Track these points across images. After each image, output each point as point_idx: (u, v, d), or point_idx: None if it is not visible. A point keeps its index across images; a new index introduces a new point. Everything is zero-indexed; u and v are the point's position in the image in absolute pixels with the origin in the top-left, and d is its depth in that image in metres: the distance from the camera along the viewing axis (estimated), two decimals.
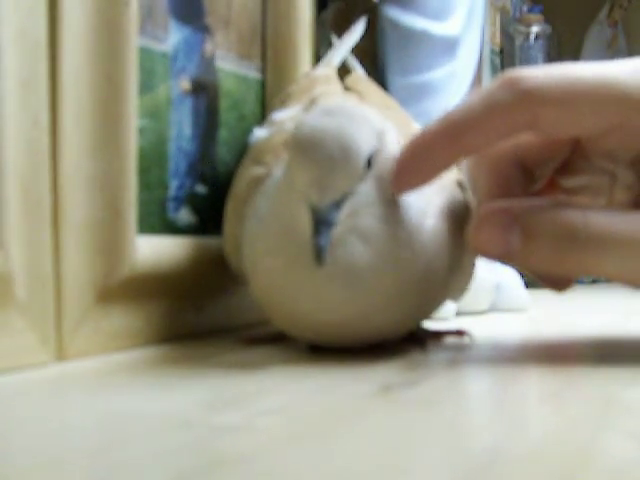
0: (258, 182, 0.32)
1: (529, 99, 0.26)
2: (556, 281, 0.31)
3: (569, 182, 0.32)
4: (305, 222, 0.26)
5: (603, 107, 0.27)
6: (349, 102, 0.30)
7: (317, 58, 0.47)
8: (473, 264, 0.33)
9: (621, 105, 0.27)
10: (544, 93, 0.26)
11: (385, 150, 0.28)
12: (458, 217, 0.31)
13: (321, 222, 0.26)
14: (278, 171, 0.30)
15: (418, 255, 0.28)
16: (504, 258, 0.27)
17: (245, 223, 0.31)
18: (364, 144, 0.27)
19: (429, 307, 0.31)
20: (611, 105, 0.27)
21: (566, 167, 0.31)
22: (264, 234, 0.29)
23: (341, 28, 0.50)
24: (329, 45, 0.49)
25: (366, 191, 0.27)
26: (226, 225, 0.35)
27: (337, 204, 0.26)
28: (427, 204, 0.29)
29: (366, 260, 0.27)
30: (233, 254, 0.34)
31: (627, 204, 0.31)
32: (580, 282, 1.08)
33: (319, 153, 0.26)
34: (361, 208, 0.27)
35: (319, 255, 0.25)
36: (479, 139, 0.27)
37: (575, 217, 0.27)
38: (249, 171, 0.33)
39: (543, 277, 0.31)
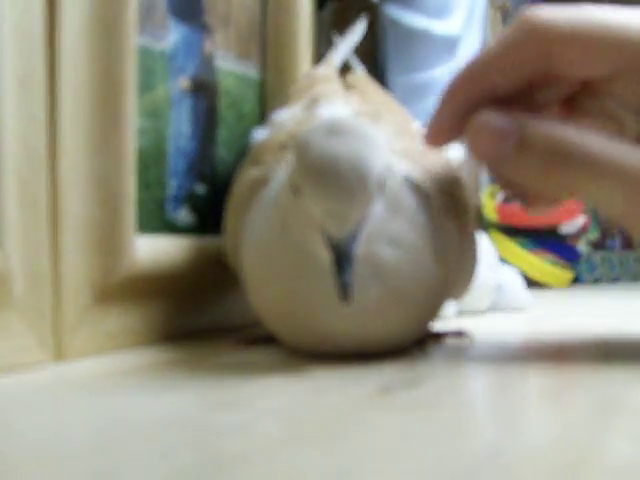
0: (258, 184, 0.32)
1: (541, 35, 0.27)
2: (535, 199, 0.31)
3: (576, 122, 0.32)
4: (321, 249, 0.26)
5: (613, 49, 0.27)
6: (346, 116, 0.30)
7: (316, 57, 0.47)
8: (475, 263, 0.33)
9: (630, 49, 0.27)
10: (555, 30, 0.27)
11: (391, 166, 0.28)
12: (460, 215, 0.31)
13: (342, 256, 0.25)
14: (280, 174, 0.30)
15: (433, 270, 0.29)
16: (496, 164, 0.27)
17: (245, 226, 0.31)
18: (376, 166, 0.26)
19: (439, 309, 0.31)
20: (621, 48, 0.27)
21: (574, 106, 0.31)
22: (274, 252, 0.28)
23: (340, 27, 0.50)
24: (328, 44, 0.49)
25: (377, 213, 0.27)
26: (226, 226, 0.35)
27: (355, 233, 0.26)
28: (432, 209, 0.29)
29: (378, 294, 0.27)
30: (232, 254, 0.34)
31: None
32: (581, 281, 1.08)
33: (335, 183, 0.25)
34: (373, 234, 0.27)
35: (346, 293, 0.25)
36: (497, 77, 0.28)
37: (573, 135, 0.27)
38: (248, 172, 0.33)
39: (524, 193, 0.31)
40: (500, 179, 0.30)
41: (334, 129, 0.26)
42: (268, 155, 0.33)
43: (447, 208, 0.30)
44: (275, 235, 0.28)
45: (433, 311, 0.31)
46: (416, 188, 0.29)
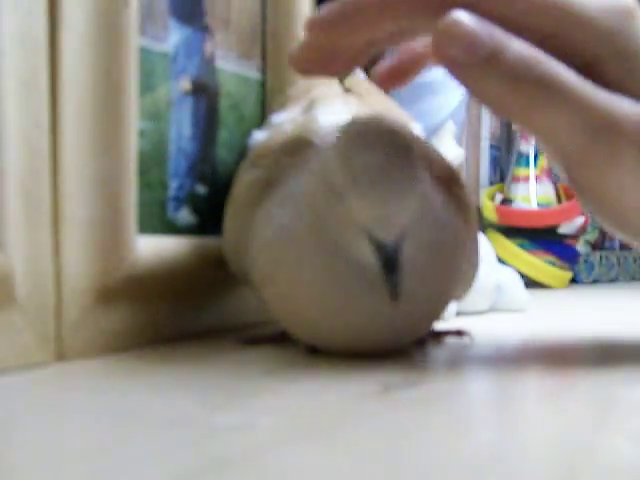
0: (262, 185, 0.32)
1: None
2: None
3: None
4: (362, 253, 0.26)
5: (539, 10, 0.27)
6: (374, 115, 0.29)
7: None
8: (477, 263, 0.33)
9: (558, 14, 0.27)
10: None
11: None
12: (465, 215, 0.31)
13: (390, 259, 0.26)
14: (297, 176, 0.30)
15: (457, 269, 0.30)
16: (461, 70, 0.26)
17: (254, 229, 0.31)
18: (420, 170, 0.26)
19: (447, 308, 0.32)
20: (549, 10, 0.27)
21: None
22: (306, 255, 0.28)
23: None
24: None
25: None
26: (226, 228, 0.35)
27: (403, 236, 0.26)
28: (450, 209, 0.29)
29: (410, 295, 0.27)
30: (233, 257, 0.34)
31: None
32: (580, 282, 1.08)
33: (385, 189, 0.25)
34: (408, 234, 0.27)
35: (395, 293, 0.26)
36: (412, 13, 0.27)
37: (546, 60, 0.26)
38: (248, 174, 0.33)
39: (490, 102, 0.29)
40: (464, 85, 0.27)
41: (373, 132, 0.26)
42: (269, 157, 0.32)
43: (455, 208, 0.30)
44: (308, 237, 0.28)
45: (444, 310, 0.31)
46: (438, 189, 0.29)
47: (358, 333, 0.28)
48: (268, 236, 0.29)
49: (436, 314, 0.30)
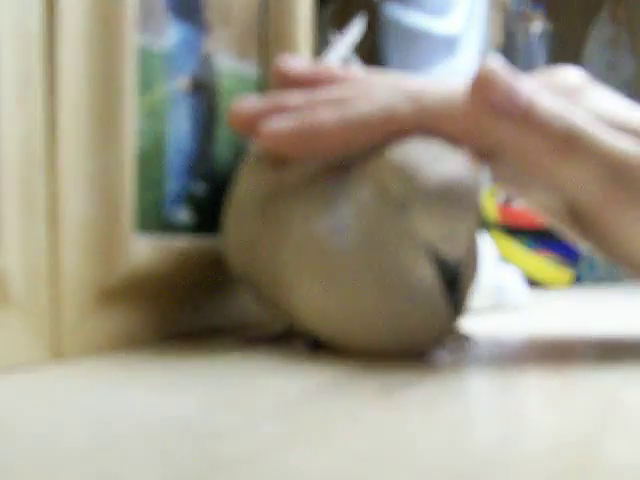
0: (275, 186, 0.31)
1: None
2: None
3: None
4: (425, 271, 0.26)
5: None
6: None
7: (317, 56, 0.47)
8: (477, 264, 0.33)
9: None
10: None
11: None
12: None
13: (452, 275, 0.26)
14: (328, 181, 0.30)
15: (477, 277, 0.30)
16: (502, 115, 0.28)
17: (280, 229, 0.30)
18: (478, 187, 0.27)
19: None
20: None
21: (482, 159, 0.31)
22: (353, 266, 0.28)
23: (340, 25, 0.50)
24: (328, 43, 0.49)
25: None
26: (229, 230, 0.34)
27: (465, 253, 0.26)
28: None
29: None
30: (238, 259, 0.34)
31: (548, 207, 0.33)
32: (582, 281, 1.08)
33: (452, 205, 0.26)
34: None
35: (456, 311, 0.26)
36: (369, 137, 0.29)
37: (569, 109, 0.28)
38: (257, 177, 0.33)
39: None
40: (494, 135, 0.29)
41: (434, 151, 0.27)
42: (277, 162, 0.32)
43: None
44: (357, 247, 0.28)
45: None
46: None
47: (400, 343, 0.28)
48: (316, 233, 0.29)
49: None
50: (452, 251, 0.26)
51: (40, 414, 0.21)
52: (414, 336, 0.28)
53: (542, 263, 0.95)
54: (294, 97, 0.31)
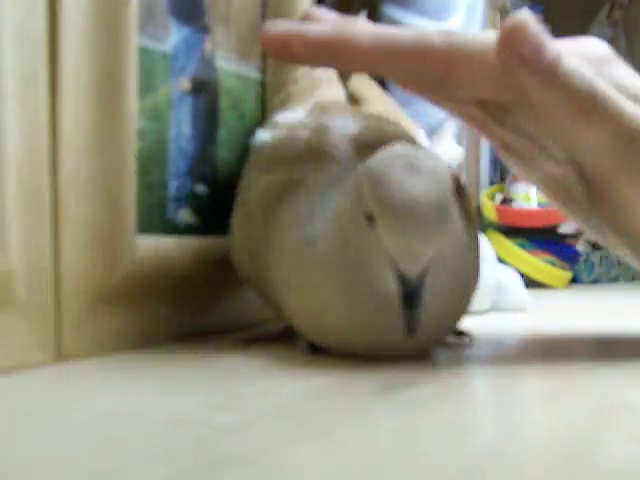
0: (278, 191, 0.32)
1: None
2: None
3: (498, 132, 0.32)
4: (387, 281, 0.26)
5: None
6: (415, 147, 0.29)
7: None
8: (479, 265, 0.33)
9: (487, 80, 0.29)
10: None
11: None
12: (466, 217, 0.31)
13: (411, 292, 0.26)
14: (320, 190, 0.30)
15: (475, 284, 0.31)
16: (530, 67, 0.28)
17: (278, 228, 0.31)
18: (451, 205, 0.27)
19: None
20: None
21: (496, 114, 0.31)
22: (329, 272, 0.28)
23: None
24: None
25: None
26: (235, 232, 0.35)
27: (425, 270, 0.26)
28: (467, 230, 0.30)
29: (433, 311, 0.27)
30: (243, 261, 0.34)
31: (558, 177, 0.32)
32: (580, 282, 1.08)
33: (414, 221, 0.26)
34: (434, 264, 0.27)
35: (411, 328, 0.26)
36: (398, 61, 0.29)
37: (589, 70, 0.28)
38: (262, 180, 0.33)
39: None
40: (519, 88, 0.29)
41: (411, 165, 0.26)
42: (282, 166, 0.32)
43: (465, 218, 0.30)
44: (335, 254, 0.28)
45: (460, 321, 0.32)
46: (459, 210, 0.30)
47: (380, 349, 0.29)
48: (297, 240, 0.29)
49: (454, 326, 0.31)
50: (411, 267, 0.26)
51: (42, 414, 0.22)
52: (383, 342, 0.28)
53: (540, 264, 0.95)
54: (324, 24, 0.30)
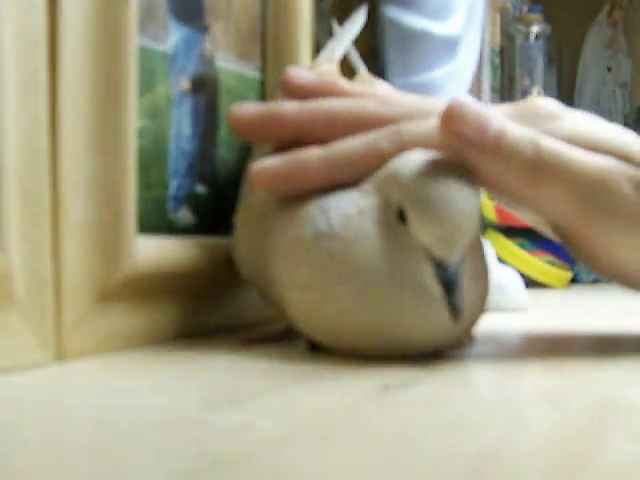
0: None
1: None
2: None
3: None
4: (425, 276, 0.27)
5: None
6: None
7: (316, 53, 0.47)
8: (489, 275, 0.33)
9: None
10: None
11: None
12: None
13: (451, 281, 0.26)
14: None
15: (488, 285, 0.31)
16: (472, 146, 0.29)
17: (278, 234, 0.31)
18: (476, 196, 0.28)
19: None
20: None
21: None
22: (350, 275, 0.28)
23: (340, 17, 0.50)
24: (329, 34, 0.49)
25: None
26: (238, 233, 0.35)
27: (462, 259, 0.27)
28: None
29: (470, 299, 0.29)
30: (246, 261, 0.34)
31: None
32: (580, 282, 1.08)
33: (448, 209, 0.26)
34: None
35: (457, 312, 0.26)
36: (353, 171, 0.30)
37: (537, 135, 0.29)
38: None
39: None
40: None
41: (434, 163, 0.28)
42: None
43: None
44: (358, 251, 0.28)
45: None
46: None
47: (402, 346, 0.29)
48: (306, 234, 0.29)
49: (476, 324, 0.32)
50: (450, 255, 0.26)
51: (42, 414, 0.22)
52: (415, 338, 0.29)
53: (540, 264, 0.95)
54: (290, 106, 0.32)
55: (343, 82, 0.33)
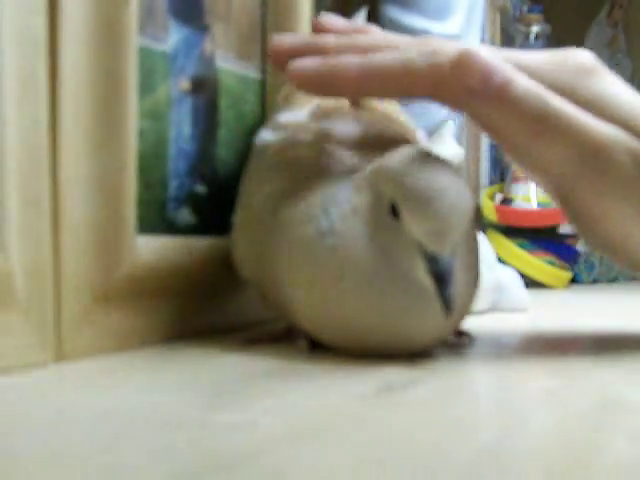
0: (284, 195, 0.32)
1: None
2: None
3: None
4: (418, 271, 0.27)
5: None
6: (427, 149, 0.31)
7: None
8: (479, 270, 0.33)
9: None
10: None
11: None
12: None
13: (443, 274, 0.27)
14: (325, 187, 0.30)
15: (479, 280, 0.31)
16: (477, 97, 0.29)
17: (279, 234, 0.31)
18: (468, 191, 0.28)
19: None
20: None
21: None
22: (351, 265, 0.28)
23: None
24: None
25: None
26: (237, 233, 0.35)
27: (454, 253, 0.27)
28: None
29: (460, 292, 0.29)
30: (245, 261, 0.34)
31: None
32: (580, 282, 1.08)
33: (438, 202, 0.26)
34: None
35: (448, 306, 0.26)
36: (385, 88, 0.30)
37: (544, 91, 0.29)
38: (265, 184, 0.33)
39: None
40: (473, 114, 0.30)
41: (427, 159, 0.28)
42: (287, 170, 0.32)
43: None
44: (356, 247, 0.28)
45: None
46: None
47: (400, 342, 0.29)
48: (309, 233, 0.29)
49: (461, 322, 0.32)
50: (441, 248, 0.27)
51: (42, 414, 0.22)
52: (411, 333, 0.29)
53: (540, 264, 0.95)
54: (328, 38, 0.32)
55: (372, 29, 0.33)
